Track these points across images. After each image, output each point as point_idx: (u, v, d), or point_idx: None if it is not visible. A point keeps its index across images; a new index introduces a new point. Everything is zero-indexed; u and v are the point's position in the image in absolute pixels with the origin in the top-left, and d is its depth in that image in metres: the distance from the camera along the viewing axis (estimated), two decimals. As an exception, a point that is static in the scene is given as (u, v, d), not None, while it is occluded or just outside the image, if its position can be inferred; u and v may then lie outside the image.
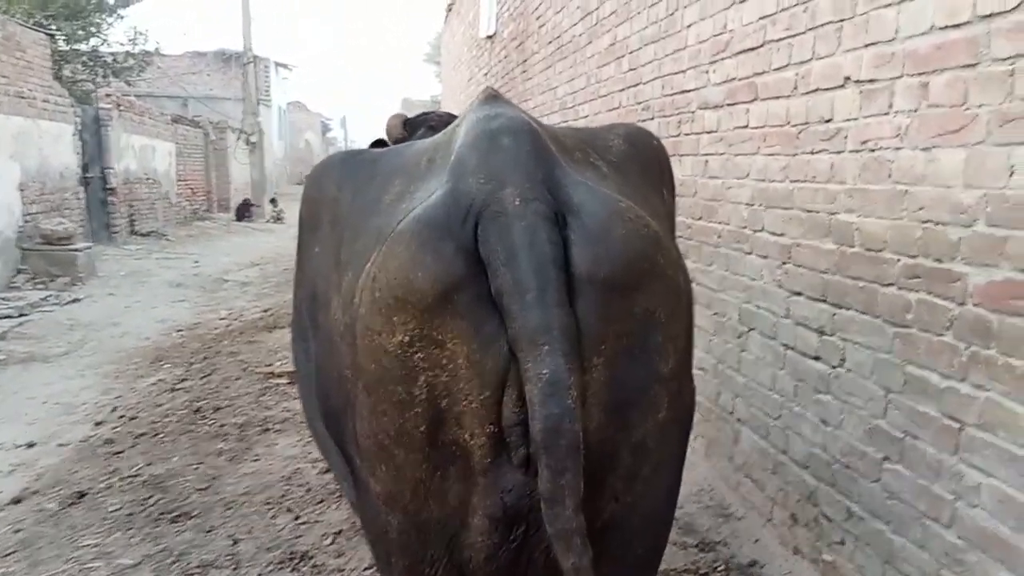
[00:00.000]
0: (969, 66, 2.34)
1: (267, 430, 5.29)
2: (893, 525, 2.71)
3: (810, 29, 3.22)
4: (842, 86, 3.00)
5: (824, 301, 3.11)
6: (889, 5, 2.71)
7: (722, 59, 4.05)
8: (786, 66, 3.41)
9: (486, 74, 11.20)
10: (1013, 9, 2.17)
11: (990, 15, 2.25)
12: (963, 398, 2.36)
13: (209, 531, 3.84)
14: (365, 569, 3.49)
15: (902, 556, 2.66)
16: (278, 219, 20.29)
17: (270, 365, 6.79)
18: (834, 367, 3.07)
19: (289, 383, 6.27)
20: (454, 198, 1.37)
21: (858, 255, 2.90)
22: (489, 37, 10.82)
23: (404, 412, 1.35)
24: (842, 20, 2.99)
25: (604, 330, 1.32)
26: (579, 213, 1.35)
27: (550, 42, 7.68)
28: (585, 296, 1.30)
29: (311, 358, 1.87)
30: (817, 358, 3.17)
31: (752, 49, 3.71)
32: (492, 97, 1.70)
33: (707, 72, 4.24)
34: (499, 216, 1.31)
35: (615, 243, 1.36)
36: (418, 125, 3.12)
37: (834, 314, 3.06)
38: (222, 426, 5.32)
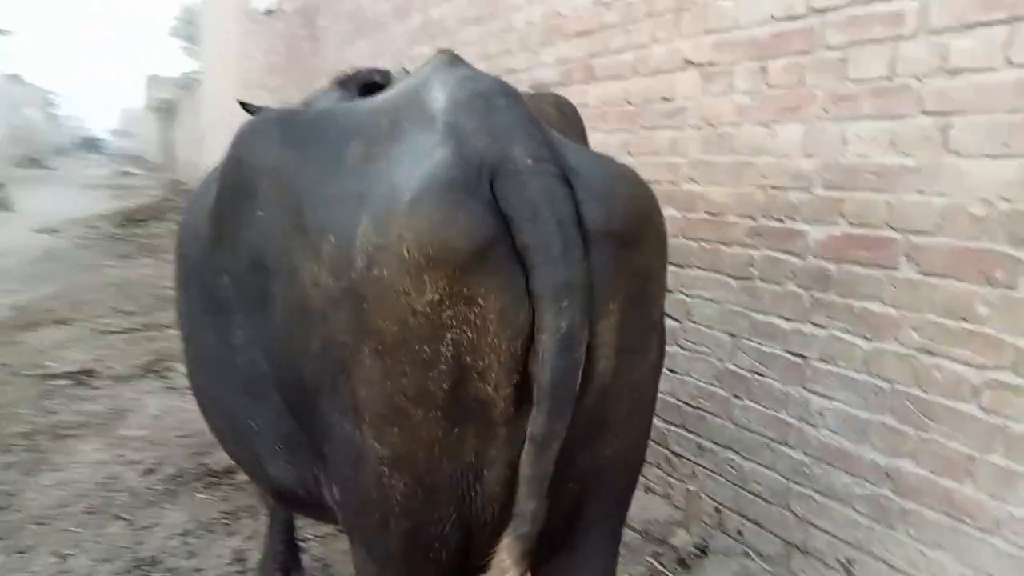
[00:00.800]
0: (805, 52, 2.74)
1: (61, 437, 4.67)
2: (743, 453, 3.10)
3: (648, 16, 3.52)
4: (683, 69, 3.32)
5: (669, 263, 3.44)
6: (728, -2, 3.06)
7: (555, 42, 4.27)
8: (624, 49, 3.70)
9: (266, 50, 10.62)
10: (844, 6, 2.58)
11: (823, 9, 2.66)
12: (807, 337, 2.78)
13: (24, 552, 3.35)
14: (227, 564, 3.27)
15: (752, 478, 3.06)
16: (4, 206, 17.59)
17: (44, 366, 5.97)
18: (680, 321, 3.42)
19: (75, 384, 5.59)
20: (463, 157, 1.35)
21: (702, 220, 3.26)
22: (268, 12, 10.27)
23: (428, 371, 1.33)
24: (681, 9, 3.32)
25: (615, 283, 1.39)
26: (580, 174, 1.41)
27: (347, 18, 7.51)
28: (599, 251, 1.36)
29: (231, 337, 1.75)
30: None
31: (587, 33, 3.96)
32: (456, 59, 1.70)
33: (538, 54, 4.45)
34: (515, 175, 1.33)
35: (621, 201, 1.45)
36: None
37: (678, 273, 3.40)
38: (2, 437, 4.61)
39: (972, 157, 2.20)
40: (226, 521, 3.64)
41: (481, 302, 1.29)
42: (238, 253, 1.67)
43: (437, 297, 1.28)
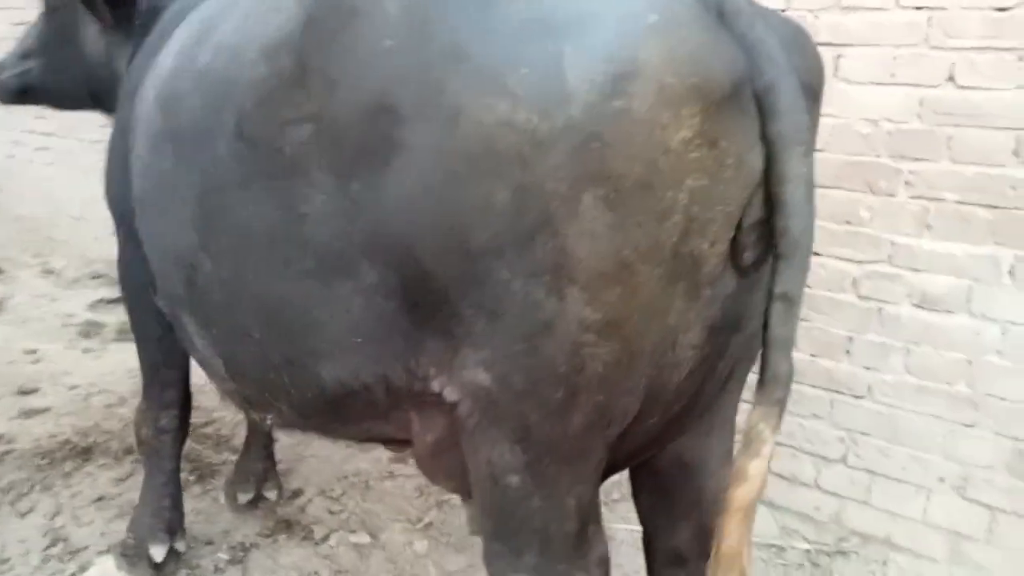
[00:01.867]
0: None
1: None
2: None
3: None
4: None
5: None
6: None
7: None
8: None
9: None
10: None
11: None
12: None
13: None
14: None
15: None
16: None
17: None
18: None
19: None
20: None
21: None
22: None
23: (663, 222, 1.19)
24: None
25: (811, 137, 1.39)
26: (773, 26, 1.36)
27: None
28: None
29: (301, 205, 1.39)
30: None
31: None
32: None
33: None
34: (741, 14, 1.24)
35: (814, 55, 1.46)
36: None
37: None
38: None
39: (861, 84, 2.60)
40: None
41: (723, 145, 1.21)
42: (341, 95, 1.32)
43: (689, 135, 1.18)
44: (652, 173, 1.18)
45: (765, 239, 1.31)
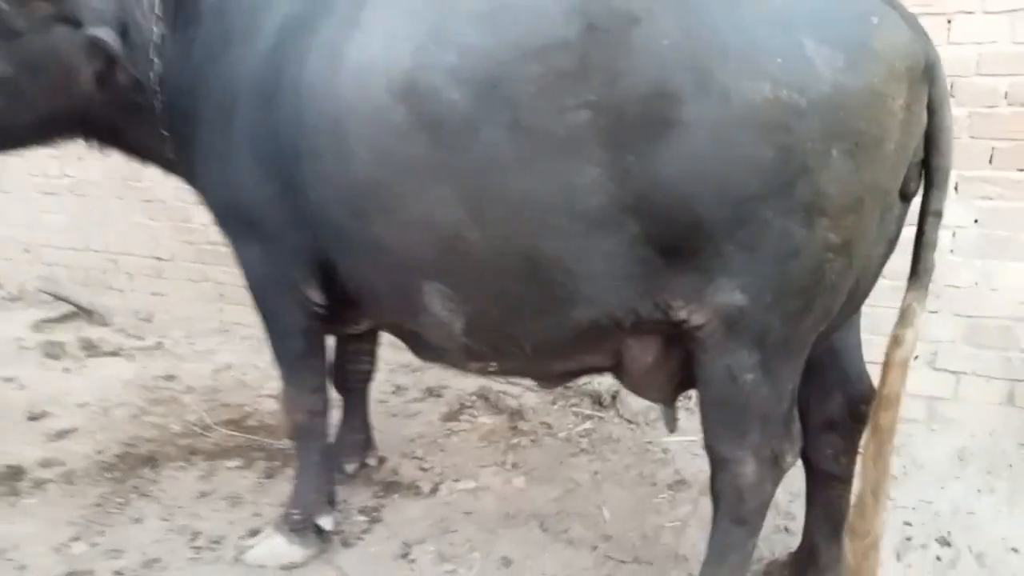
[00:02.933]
0: None
1: None
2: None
3: None
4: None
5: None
6: None
7: None
8: None
9: None
10: None
11: None
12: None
13: None
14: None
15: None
16: None
17: None
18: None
19: None
20: None
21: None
22: None
23: (887, 166, 1.68)
24: None
25: None
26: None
27: None
28: None
29: (577, 177, 1.75)
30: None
31: None
32: None
33: None
34: (907, 12, 1.73)
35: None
36: None
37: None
38: None
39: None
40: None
41: (915, 108, 1.71)
42: (624, 85, 1.67)
43: (903, 102, 1.66)
44: (880, 130, 1.65)
45: (921, 174, 1.83)
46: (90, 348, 4.57)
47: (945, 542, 2.69)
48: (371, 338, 3.02)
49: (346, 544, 2.67)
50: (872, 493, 1.97)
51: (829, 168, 1.64)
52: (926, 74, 1.70)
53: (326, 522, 2.58)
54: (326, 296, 2.33)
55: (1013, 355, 3.25)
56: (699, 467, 3.20)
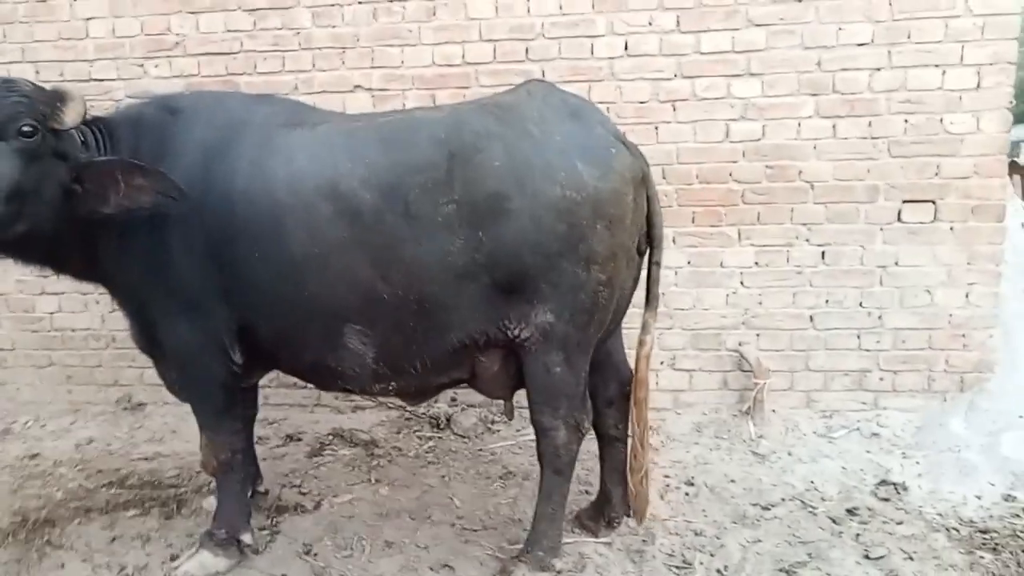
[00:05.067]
0: (464, 87, 4.55)
1: None
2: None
3: (305, 49, 4.66)
4: (352, 91, 4.64)
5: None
6: (392, 46, 4.58)
7: (168, 57, 4.78)
8: (280, 71, 4.69)
9: None
10: (490, 62, 4.51)
11: (476, 63, 4.52)
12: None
13: None
14: None
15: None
16: None
17: None
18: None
19: None
20: (612, 132, 2.86)
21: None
22: None
23: (626, 232, 2.78)
24: (344, 48, 4.63)
25: None
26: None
27: None
28: None
29: (450, 246, 2.70)
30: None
31: (223, 54, 4.72)
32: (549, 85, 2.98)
33: (141, 65, 4.81)
34: (627, 141, 2.91)
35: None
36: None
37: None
38: None
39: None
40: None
41: (639, 200, 2.87)
42: (473, 188, 2.67)
43: (632, 196, 2.82)
44: (622, 212, 2.80)
45: (646, 238, 3.01)
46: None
47: (690, 483, 3.91)
48: (255, 387, 3.70)
49: (257, 553, 3.31)
50: (639, 442, 3.11)
51: (596, 235, 2.75)
52: (643, 180, 2.91)
53: (247, 537, 3.23)
54: (243, 355, 3.05)
55: (723, 354, 4.65)
56: (519, 462, 4.22)
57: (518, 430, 4.66)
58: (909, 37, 4.23)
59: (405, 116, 2.99)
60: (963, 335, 4.43)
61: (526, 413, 4.62)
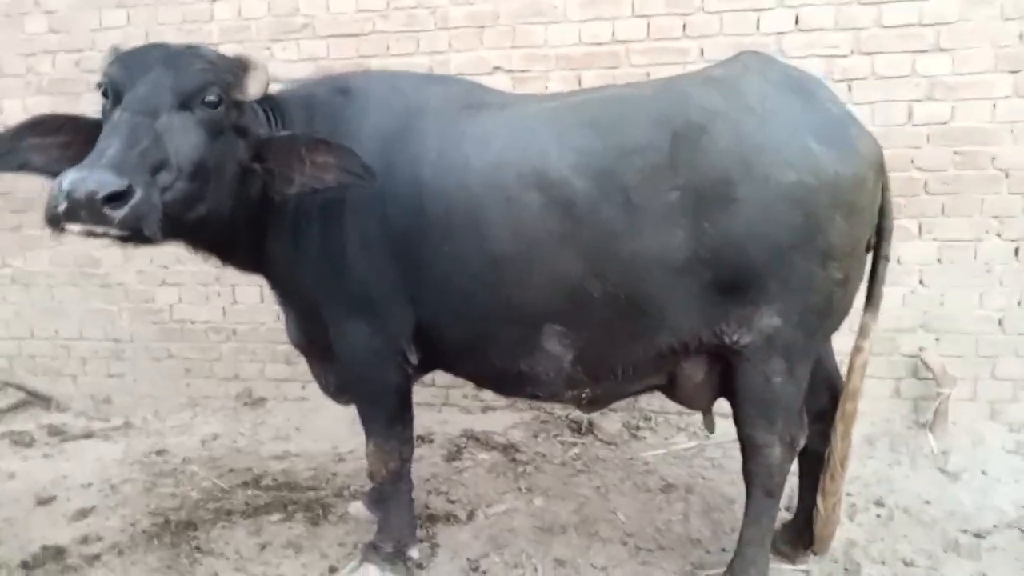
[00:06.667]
0: (613, 67, 4.22)
1: None
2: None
3: (440, 29, 4.39)
4: (491, 73, 4.35)
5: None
6: (535, 24, 4.27)
7: (296, 39, 4.57)
8: (413, 53, 4.43)
9: None
10: (643, 40, 4.17)
11: (627, 40, 4.18)
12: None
13: None
14: None
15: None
16: None
17: None
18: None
19: None
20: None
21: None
22: None
23: (866, 225, 2.44)
24: (482, 27, 4.34)
25: None
26: None
27: None
28: None
29: (671, 238, 2.38)
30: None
31: (354, 35, 4.49)
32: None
33: (268, 48, 4.61)
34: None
35: None
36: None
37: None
38: None
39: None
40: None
41: (877, 188, 2.49)
42: (699, 173, 2.35)
43: (873, 184, 2.45)
44: (864, 201, 2.43)
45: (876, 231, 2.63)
46: (59, 433, 4.56)
47: (879, 503, 3.51)
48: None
49: (421, 567, 3.05)
50: (840, 463, 2.74)
51: (835, 227, 2.38)
52: (882, 166, 2.52)
53: (415, 552, 2.97)
54: (419, 358, 2.78)
55: (896, 359, 4.22)
56: (678, 472, 3.88)
57: (666, 438, 4.33)
58: None
59: (613, 94, 2.66)
60: None
61: (673, 419, 4.51)
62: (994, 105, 3.91)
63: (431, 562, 3.10)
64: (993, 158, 3.95)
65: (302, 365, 4.80)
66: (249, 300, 4.90)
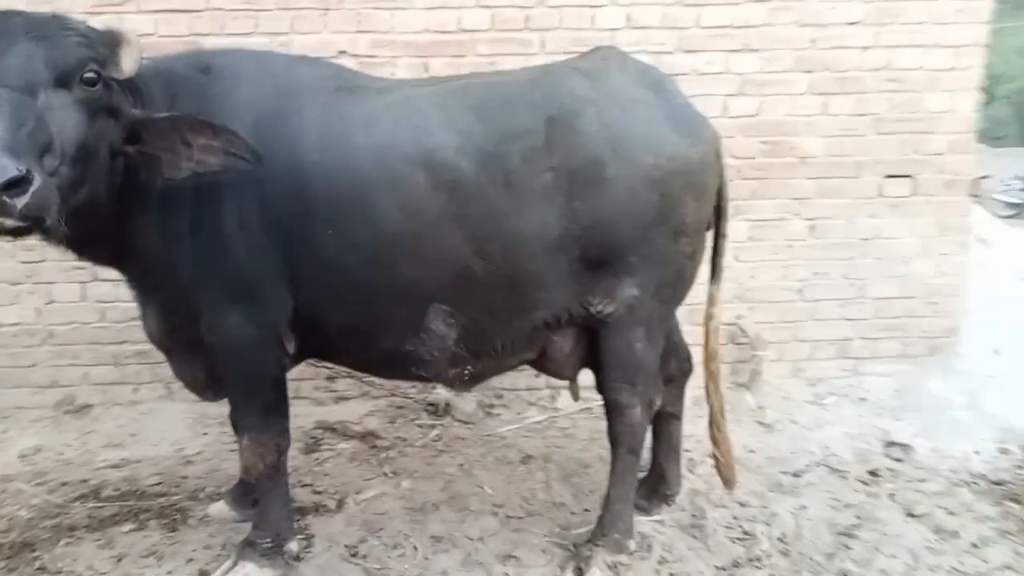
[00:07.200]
0: (460, 56, 4.32)
1: None
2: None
3: (282, 9, 4.26)
4: (336, 57, 4.29)
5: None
6: (381, 9, 4.27)
7: (117, 13, 4.24)
8: (251, 33, 4.26)
9: None
10: (488, 30, 4.30)
11: (472, 30, 4.30)
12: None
13: None
14: None
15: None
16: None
17: None
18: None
19: None
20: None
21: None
22: None
23: (710, 203, 2.73)
24: (327, 9, 4.26)
25: None
26: None
27: None
28: None
29: (544, 216, 2.52)
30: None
31: (185, 11, 4.24)
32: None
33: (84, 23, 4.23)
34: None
35: None
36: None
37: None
38: None
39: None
40: None
41: (718, 171, 2.80)
42: (572, 155, 2.51)
43: (714, 169, 2.74)
44: (709, 183, 2.72)
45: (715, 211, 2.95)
46: None
47: (713, 456, 3.92)
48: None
49: (299, 560, 3.00)
50: (719, 412, 3.10)
51: (686, 206, 2.66)
52: (720, 152, 2.83)
53: (294, 545, 2.92)
54: (297, 346, 2.73)
55: (717, 327, 4.70)
56: (534, 444, 4.09)
57: (519, 413, 4.53)
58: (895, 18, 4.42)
59: (495, 80, 2.76)
60: (935, 302, 4.71)
61: (524, 395, 4.71)
62: (794, 101, 4.46)
63: (308, 553, 3.06)
64: (793, 147, 4.50)
65: (132, 367, 4.54)
66: (67, 298, 4.47)
